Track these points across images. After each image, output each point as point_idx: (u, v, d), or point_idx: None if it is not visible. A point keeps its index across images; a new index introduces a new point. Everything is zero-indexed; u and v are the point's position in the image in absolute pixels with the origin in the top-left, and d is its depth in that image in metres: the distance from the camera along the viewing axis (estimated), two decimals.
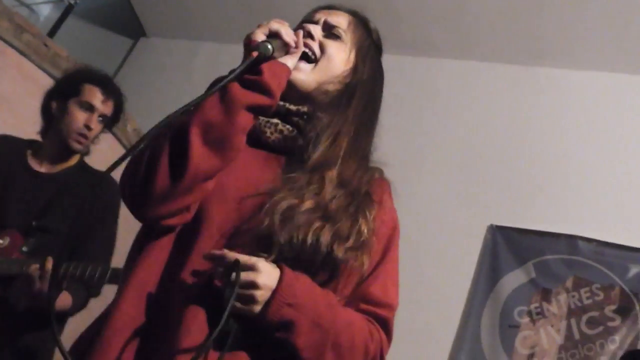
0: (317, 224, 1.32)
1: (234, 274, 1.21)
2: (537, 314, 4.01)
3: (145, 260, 1.33)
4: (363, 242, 1.38)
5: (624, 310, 3.85)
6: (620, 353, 3.72)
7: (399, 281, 1.51)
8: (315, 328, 1.25)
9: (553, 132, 4.52)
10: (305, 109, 1.51)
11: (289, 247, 1.29)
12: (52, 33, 5.23)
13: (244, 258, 1.24)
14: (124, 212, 2.17)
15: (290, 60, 1.46)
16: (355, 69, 1.59)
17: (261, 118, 1.49)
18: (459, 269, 4.25)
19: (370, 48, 1.66)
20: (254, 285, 1.23)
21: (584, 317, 3.91)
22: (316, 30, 1.59)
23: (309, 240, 1.30)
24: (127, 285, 1.31)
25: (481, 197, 4.43)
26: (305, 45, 1.54)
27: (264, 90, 1.35)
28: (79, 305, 2.60)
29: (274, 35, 1.43)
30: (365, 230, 1.39)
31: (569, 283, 4.03)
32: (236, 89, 1.33)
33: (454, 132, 4.75)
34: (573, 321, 3.92)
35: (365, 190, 1.46)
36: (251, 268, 1.24)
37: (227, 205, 1.36)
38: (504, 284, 4.13)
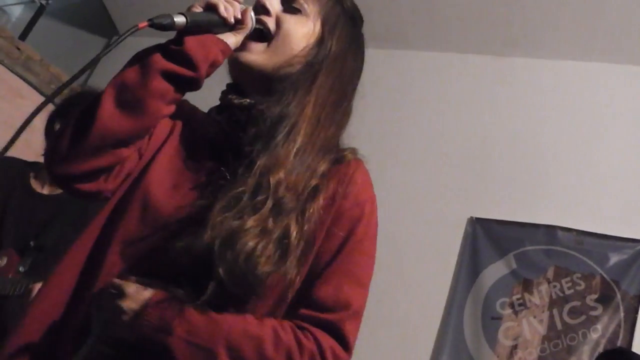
0: (251, 244, 1.19)
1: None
2: (519, 305, 4.01)
3: (70, 254, 1.33)
4: (288, 250, 1.23)
5: (605, 299, 3.87)
6: (603, 341, 3.73)
7: (375, 278, 1.36)
8: (193, 348, 1.16)
9: (530, 123, 4.52)
10: (247, 101, 1.38)
11: (228, 277, 1.17)
12: (24, 34, 5.18)
13: (113, 282, 1.20)
14: None
15: (232, 38, 1.34)
16: (320, 42, 1.42)
17: (210, 114, 1.44)
18: (440, 263, 4.25)
19: (340, 17, 1.48)
20: (119, 309, 1.18)
21: (566, 307, 3.92)
22: (272, 3, 1.43)
23: (241, 266, 1.18)
24: (54, 272, 1.31)
25: (460, 190, 4.43)
26: (259, 21, 1.39)
27: (183, 60, 1.28)
28: None
29: (211, 9, 1.33)
30: (294, 235, 1.24)
31: (550, 273, 4.04)
32: (155, 55, 1.30)
33: (430, 125, 4.74)
34: (555, 311, 3.93)
35: (314, 185, 1.30)
36: (118, 293, 1.19)
37: (147, 216, 1.28)
38: (485, 276, 4.13)
